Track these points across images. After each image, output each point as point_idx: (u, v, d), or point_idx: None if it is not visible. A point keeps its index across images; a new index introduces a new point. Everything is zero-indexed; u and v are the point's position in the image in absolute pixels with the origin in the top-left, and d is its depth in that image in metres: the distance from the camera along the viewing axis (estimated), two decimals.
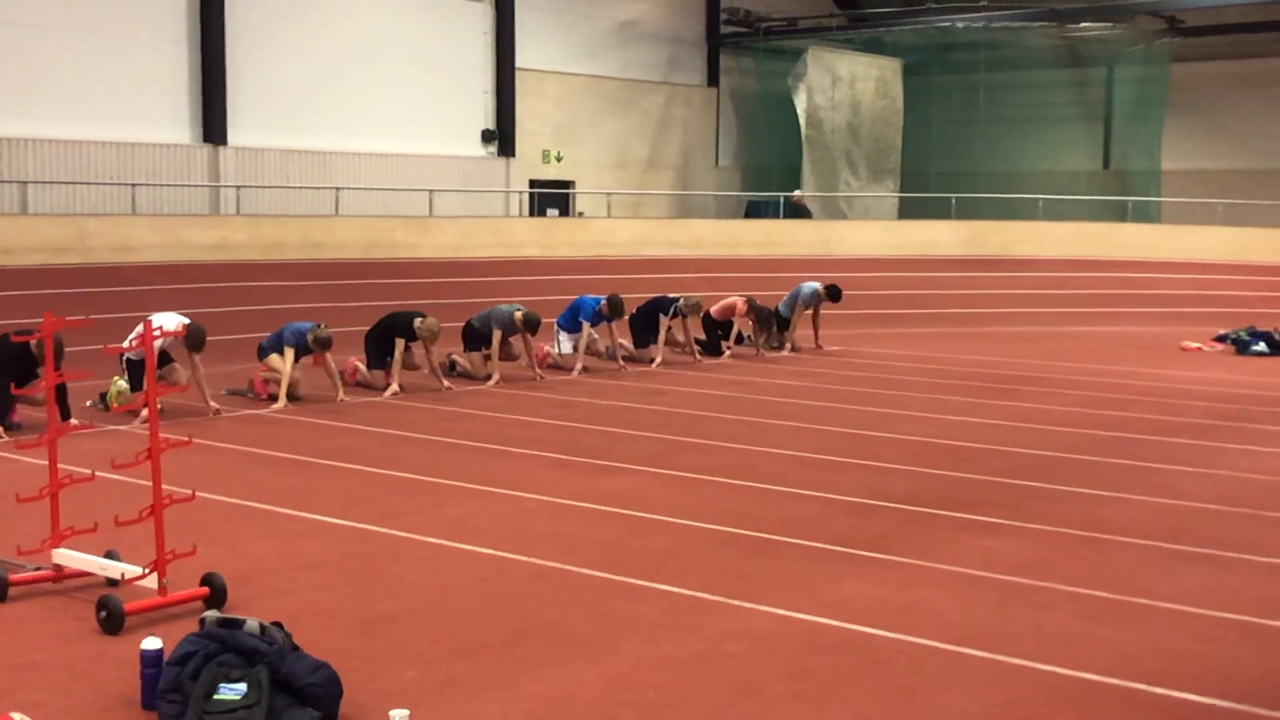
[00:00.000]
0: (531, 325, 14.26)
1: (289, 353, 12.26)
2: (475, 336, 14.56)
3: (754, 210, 29.18)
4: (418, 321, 13.13)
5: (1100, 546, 7.42)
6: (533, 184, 26.61)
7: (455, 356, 14.65)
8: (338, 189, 21.39)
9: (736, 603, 6.17)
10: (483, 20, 25.51)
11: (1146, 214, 27.92)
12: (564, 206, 27.02)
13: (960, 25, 28.69)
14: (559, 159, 27.48)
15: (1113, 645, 5.65)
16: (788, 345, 17.73)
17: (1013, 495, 8.77)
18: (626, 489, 8.75)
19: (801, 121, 28.93)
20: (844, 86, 29.73)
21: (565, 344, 15.59)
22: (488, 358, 14.36)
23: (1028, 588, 6.51)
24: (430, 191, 22.27)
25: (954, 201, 26.43)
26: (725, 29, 30.60)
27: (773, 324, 17.58)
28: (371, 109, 23.68)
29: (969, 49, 30.10)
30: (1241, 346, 18.51)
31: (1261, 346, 18.37)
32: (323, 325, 12.54)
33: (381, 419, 11.63)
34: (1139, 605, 6.24)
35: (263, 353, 12.75)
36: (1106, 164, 31.73)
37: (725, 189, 30.70)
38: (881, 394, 13.71)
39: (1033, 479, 9.30)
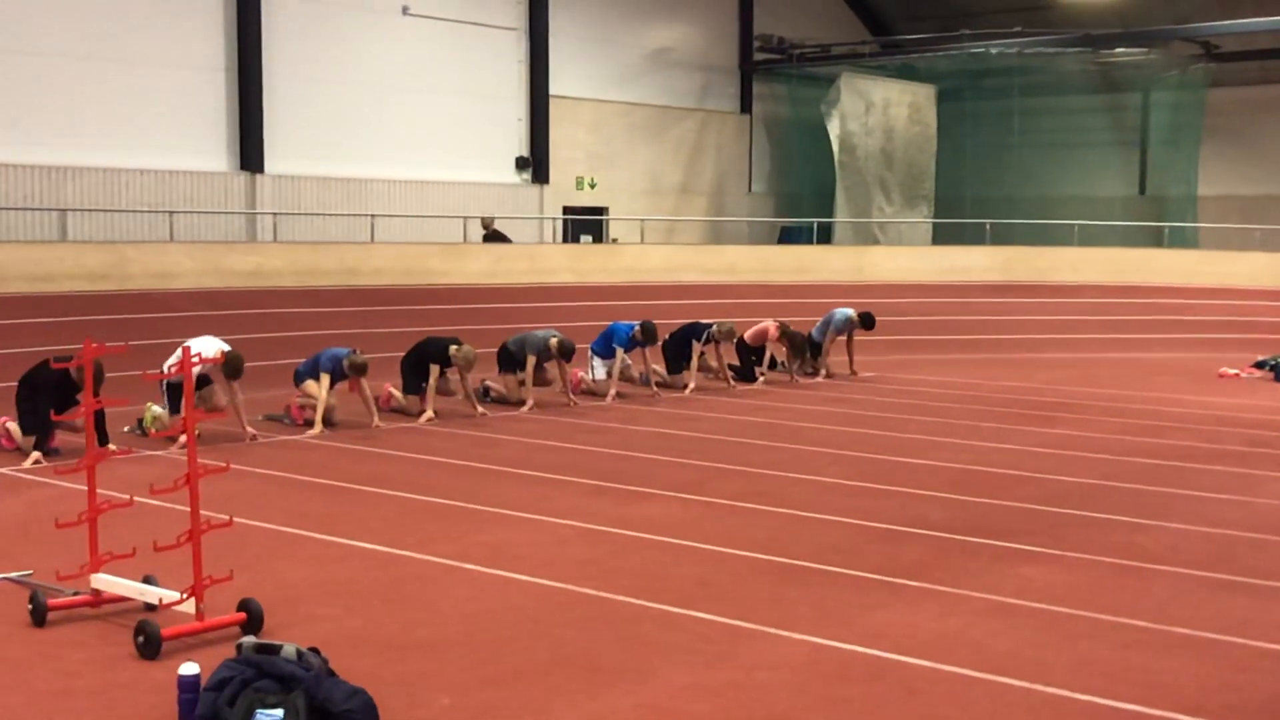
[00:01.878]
0: (566, 352, 14.28)
1: (324, 379, 12.33)
2: (510, 360, 14.60)
3: (787, 236, 29.16)
4: (453, 349, 13.19)
5: (1139, 575, 7.36)
6: (566, 210, 26.69)
7: (489, 382, 14.70)
8: (373, 216, 21.54)
9: (770, 630, 6.14)
10: (517, 48, 25.65)
11: (1183, 240, 27.75)
12: (597, 233, 27.09)
13: (994, 51, 28.63)
14: (593, 186, 27.57)
15: (1153, 675, 5.60)
16: (821, 371, 17.71)
17: (1049, 523, 8.71)
18: (660, 515, 8.74)
19: (835, 148, 28.92)
20: (877, 112, 29.70)
21: (599, 370, 15.61)
22: (522, 382, 14.41)
23: (1065, 616, 6.45)
24: (465, 218, 22.37)
25: (988, 227, 26.34)
26: (758, 55, 30.65)
27: (805, 349, 17.56)
28: (406, 137, 23.83)
29: (1003, 75, 30.02)
30: None
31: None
32: (358, 351, 12.62)
33: (416, 445, 11.67)
34: (1179, 635, 6.18)
35: (299, 378, 12.84)
36: (1143, 190, 31.54)
37: (758, 215, 30.71)
38: (916, 420, 13.66)
39: (1070, 506, 9.23)
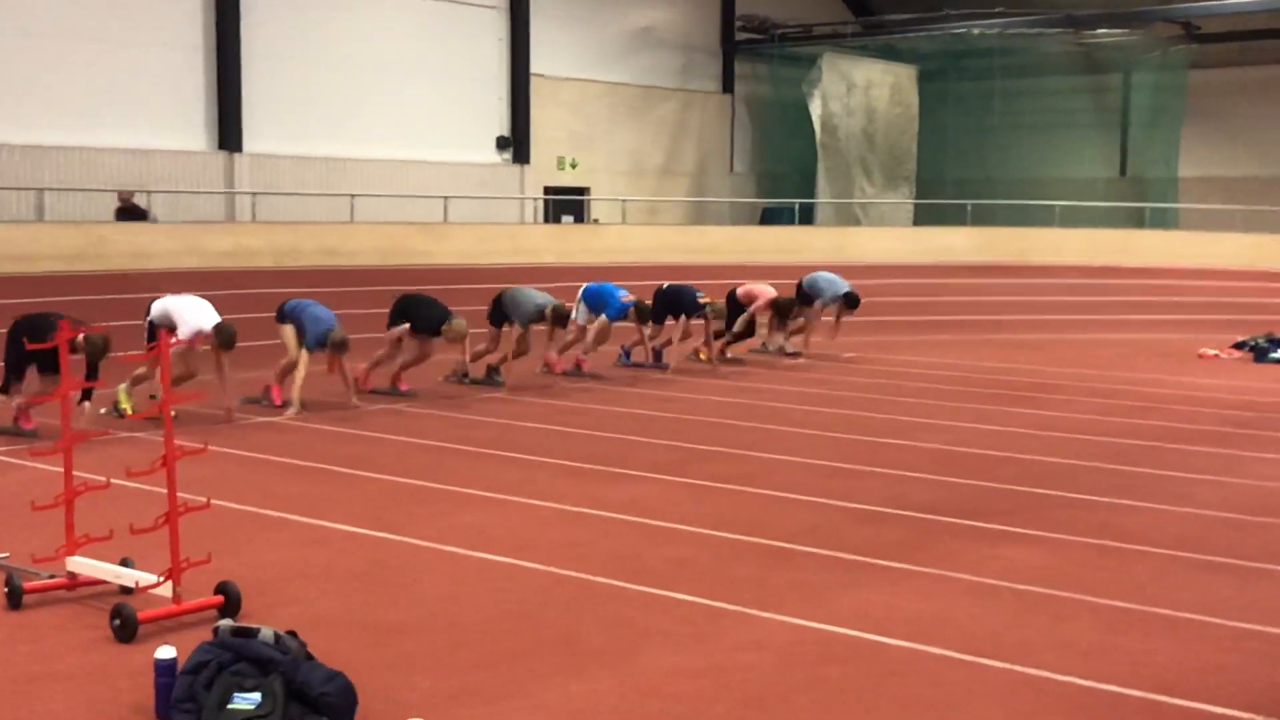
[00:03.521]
0: (561, 318, 14.47)
1: (304, 355, 12.20)
2: (502, 316, 14.50)
3: (769, 217, 29.12)
4: (445, 325, 13.22)
5: (1120, 556, 7.37)
6: (548, 191, 26.60)
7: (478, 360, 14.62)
8: (353, 196, 21.40)
9: (752, 612, 6.13)
10: (497, 27, 25.51)
11: (1164, 221, 27.81)
12: (579, 213, 27.00)
13: (976, 32, 28.61)
14: (574, 166, 27.48)
15: (1134, 656, 5.60)
16: (803, 346, 17.66)
17: (1031, 504, 8.71)
18: (641, 497, 8.72)
19: (816, 128, 28.88)
20: (859, 93, 29.67)
21: (583, 315, 15.50)
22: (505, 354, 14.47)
23: (1046, 597, 6.45)
24: (445, 198, 22.28)
25: (969, 208, 26.35)
26: (740, 35, 30.56)
27: (788, 315, 17.53)
28: (386, 116, 23.70)
29: (984, 55, 30.00)
30: (1260, 354, 18.39)
31: None
32: (339, 328, 12.43)
33: (395, 426, 11.61)
34: (1160, 615, 6.18)
35: (282, 316, 12.62)
36: (1123, 171, 31.59)
37: (740, 195, 30.65)
38: (898, 401, 13.66)
39: (1051, 487, 9.24)
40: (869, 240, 25.91)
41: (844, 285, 17.68)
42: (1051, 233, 25.65)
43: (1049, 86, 31.03)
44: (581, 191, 27.30)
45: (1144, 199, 28.67)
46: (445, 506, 8.39)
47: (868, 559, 7.16)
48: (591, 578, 6.67)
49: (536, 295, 14.59)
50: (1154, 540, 7.69)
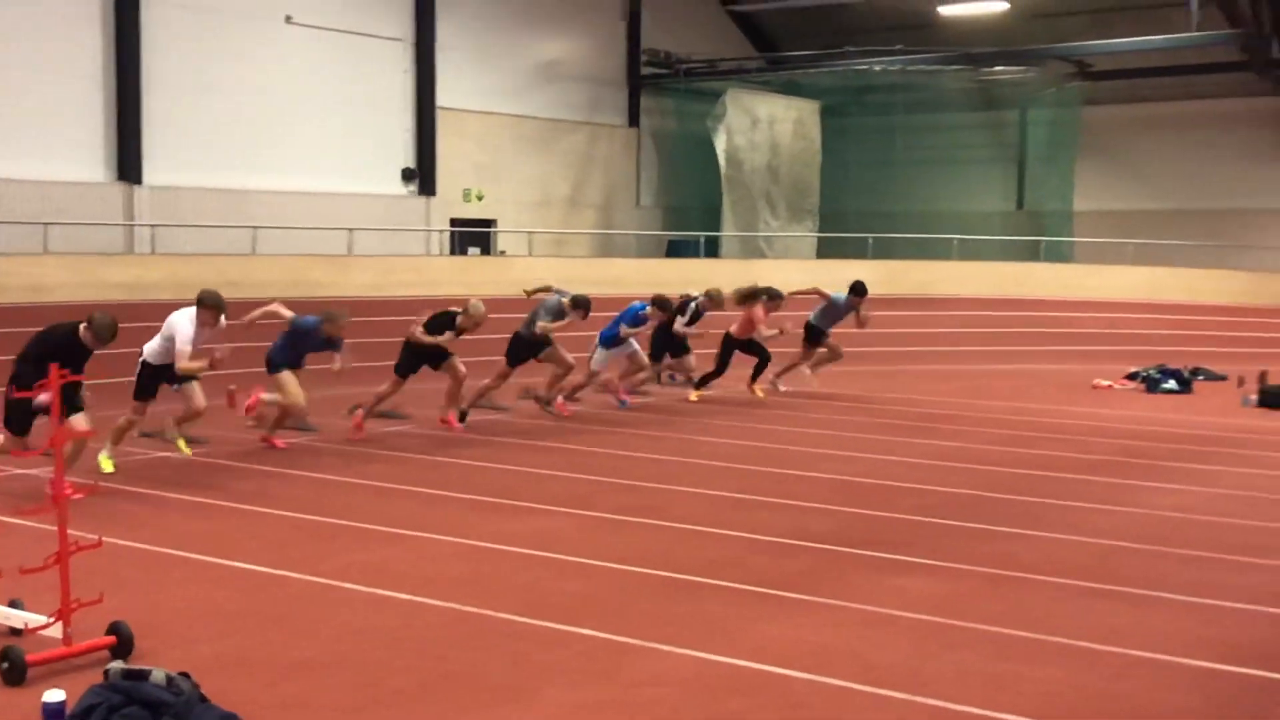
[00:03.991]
0: (581, 305, 14.32)
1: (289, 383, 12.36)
2: (528, 347, 14.44)
3: (675, 250, 29.28)
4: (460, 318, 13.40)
5: (1017, 585, 7.49)
6: (454, 223, 26.51)
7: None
8: (255, 228, 21.16)
9: (656, 646, 6.13)
10: (403, 59, 25.43)
11: (1059, 254, 28.41)
12: (485, 245, 26.93)
13: (877, 69, 29.13)
14: (480, 198, 27.42)
15: (1030, 685, 5.69)
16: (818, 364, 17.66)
17: (932, 534, 8.83)
18: (545, 530, 8.70)
19: (721, 162, 29.15)
20: (763, 128, 30.01)
21: (599, 359, 15.61)
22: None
23: (945, 627, 6.54)
24: (350, 230, 22.10)
25: (871, 241, 26.72)
26: (646, 70, 30.76)
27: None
28: (289, 147, 23.48)
29: (885, 91, 30.54)
30: (1152, 385, 18.85)
31: (1171, 384, 18.72)
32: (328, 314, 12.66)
33: (296, 461, 11.47)
34: (1056, 644, 6.29)
35: (274, 367, 12.58)
36: (1020, 204, 32.28)
37: (647, 228, 30.79)
38: (801, 432, 13.77)
39: (951, 518, 9.37)
40: (773, 273, 26.07)
41: (841, 295, 17.47)
42: (951, 265, 26.10)
43: (948, 122, 31.65)
44: (488, 223, 27.25)
45: (1040, 232, 29.28)
46: (347, 543, 8.30)
47: (771, 590, 7.20)
48: (494, 613, 6.64)
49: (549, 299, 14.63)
50: (1049, 569, 7.82)
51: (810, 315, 17.71)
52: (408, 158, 25.66)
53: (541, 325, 14.28)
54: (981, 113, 31.87)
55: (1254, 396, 17.40)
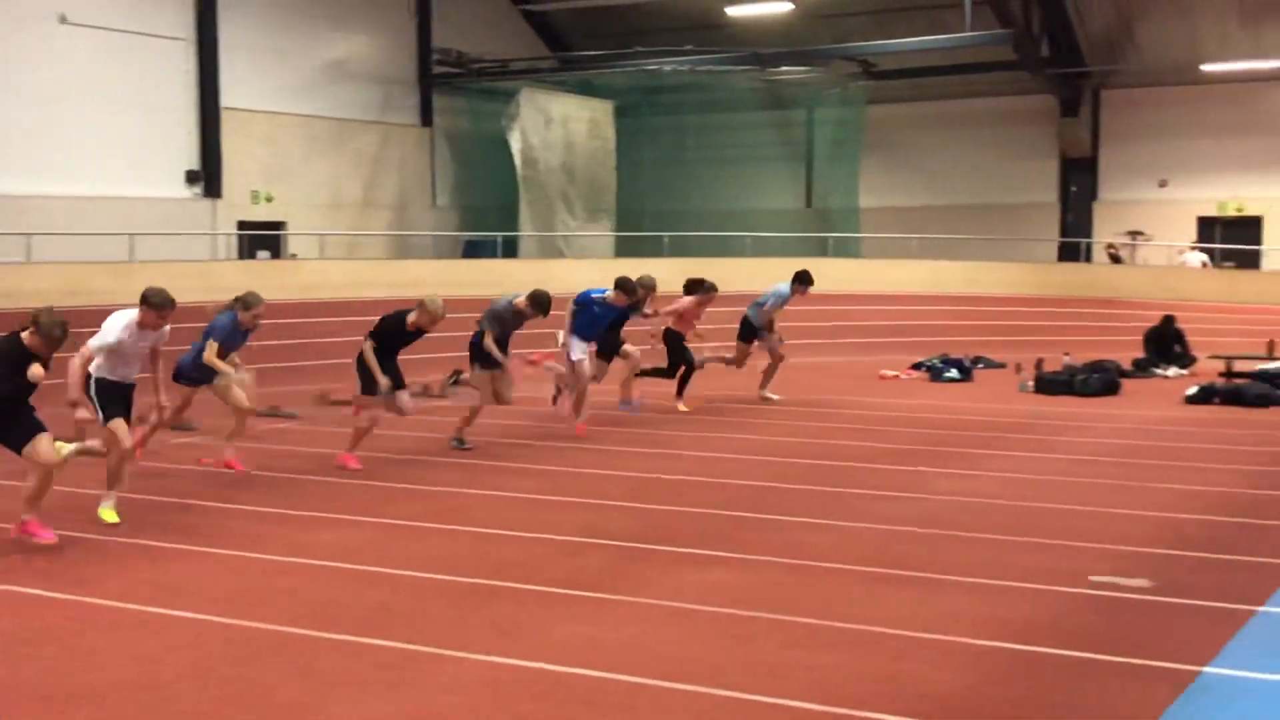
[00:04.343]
0: (542, 305, 12.58)
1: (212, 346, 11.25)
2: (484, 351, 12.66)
3: (472, 250, 29.11)
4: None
5: (807, 574, 7.67)
6: (241, 226, 25.82)
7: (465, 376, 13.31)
8: (29, 235, 20.23)
9: (450, 653, 6.08)
10: (184, 59, 24.66)
11: (847, 250, 29.25)
12: (276, 248, 26.32)
13: (667, 69, 29.49)
14: (269, 200, 26.79)
15: (815, 671, 5.83)
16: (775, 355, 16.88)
17: (726, 527, 8.98)
18: (337, 540, 8.54)
19: (517, 162, 29.09)
20: (557, 127, 30.07)
21: (578, 349, 13.85)
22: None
23: (738, 619, 6.65)
24: (131, 235, 21.32)
25: (667, 240, 27.03)
26: (438, 69, 30.50)
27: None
28: (67, 150, 22.55)
29: (677, 91, 30.95)
30: (935, 374, 19.55)
31: (954, 373, 19.44)
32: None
33: (73, 476, 10.99)
34: (841, 629, 6.46)
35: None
36: (809, 202, 33.11)
37: (443, 229, 30.53)
38: (598, 431, 13.83)
39: (745, 510, 9.55)
40: (571, 272, 26.18)
41: (783, 284, 16.82)
42: (744, 262, 26.56)
43: (739, 121, 32.25)
44: (278, 226, 26.64)
45: (828, 229, 30.08)
46: (128, 562, 7.99)
47: (568, 591, 7.22)
48: (285, 629, 6.48)
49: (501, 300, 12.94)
50: (840, 557, 8.04)
51: (746, 310, 16.94)
52: (192, 159, 24.92)
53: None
54: (770, 112, 32.58)
55: (1030, 383, 18.20)
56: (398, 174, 29.97)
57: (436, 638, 6.30)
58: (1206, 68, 30.40)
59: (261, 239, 26.05)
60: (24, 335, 8.22)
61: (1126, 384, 18.20)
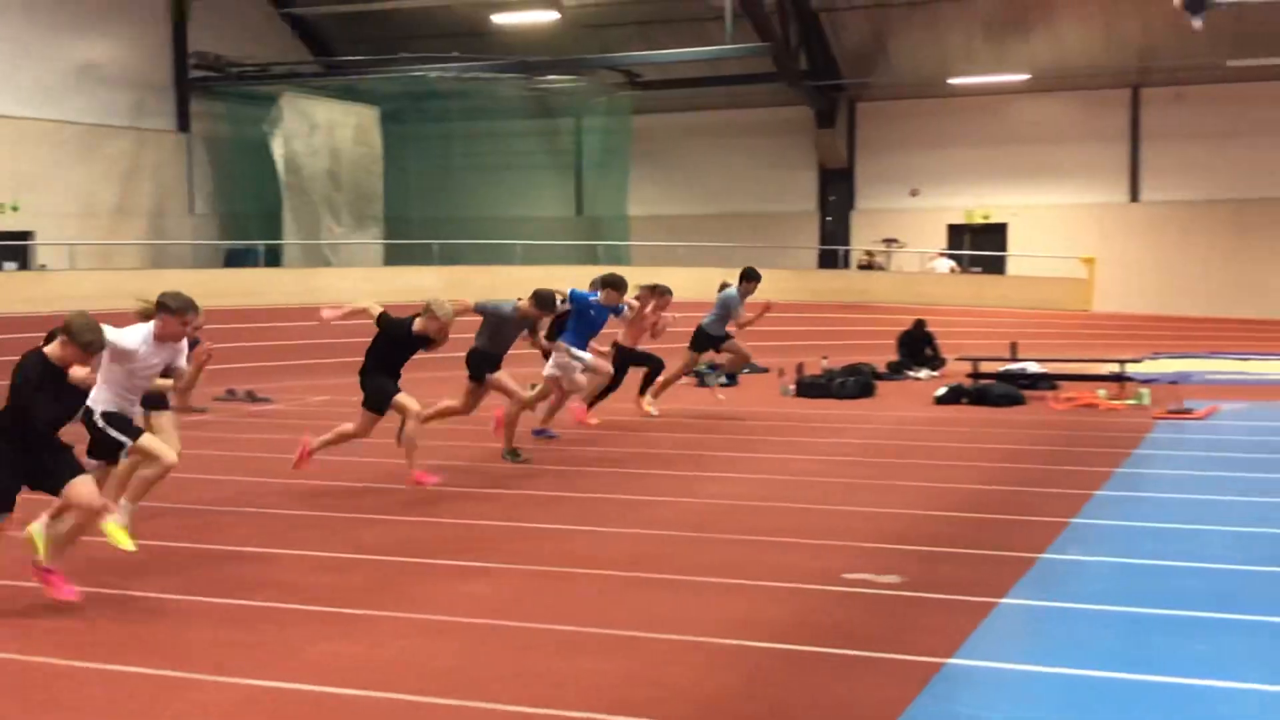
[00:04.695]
0: (547, 303, 11.90)
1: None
2: (486, 360, 12.07)
3: (234, 259, 28.33)
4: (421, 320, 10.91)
5: (574, 581, 7.71)
6: None
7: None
8: None
9: (205, 677, 5.89)
10: None
11: (617, 257, 29.56)
12: (23, 259, 25.08)
13: (434, 75, 29.29)
14: (15, 209, 25.51)
15: (583, 678, 5.87)
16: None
17: (489, 536, 8.96)
18: (91, 563, 8.18)
19: (280, 168, 28.44)
20: (322, 133, 29.52)
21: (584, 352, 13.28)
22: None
23: (502, 629, 6.64)
24: None
25: (436, 248, 26.84)
26: (195, 73, 29.57)
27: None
28: None
29: (443, 98, 30.79)
30: (701, 379, 19.89)
31: (723, 379, 19.81)
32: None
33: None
34: (609, 636, 6.51)
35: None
36: (580, 210, 33.36)
37: (202, 237, 29.60)
38: (360, 442, 13.56)
39: (508, 519, 9.54)
40: (338, 281, 25.76)
41: (731, 289, 16.14)
42: (515, 270, 26.57)
43: (507, 129, 32.28)
44: (25, 236, 25.39)
45: (599, 237, 30.34)
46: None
47: (329, 608, 7.08)
48: (29, 658, 6.18)
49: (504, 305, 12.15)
50: (604, 563, 8.10)
51: (704, 319, 16.21)
52: None
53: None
54: (539, 120, 32.72)
55: (792, 386, 18.75)
56: (153, 181, 28.93)
57: (192, 662, 6.07)
58: (954, 81, 31.88)
59: (7, 250, 24.79)
60: (51, 349, 7.01)
61: (881, 386, 18.93)
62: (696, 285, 26.94)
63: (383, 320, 10.66)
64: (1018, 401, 17.13)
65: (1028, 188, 33.20)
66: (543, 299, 11.94)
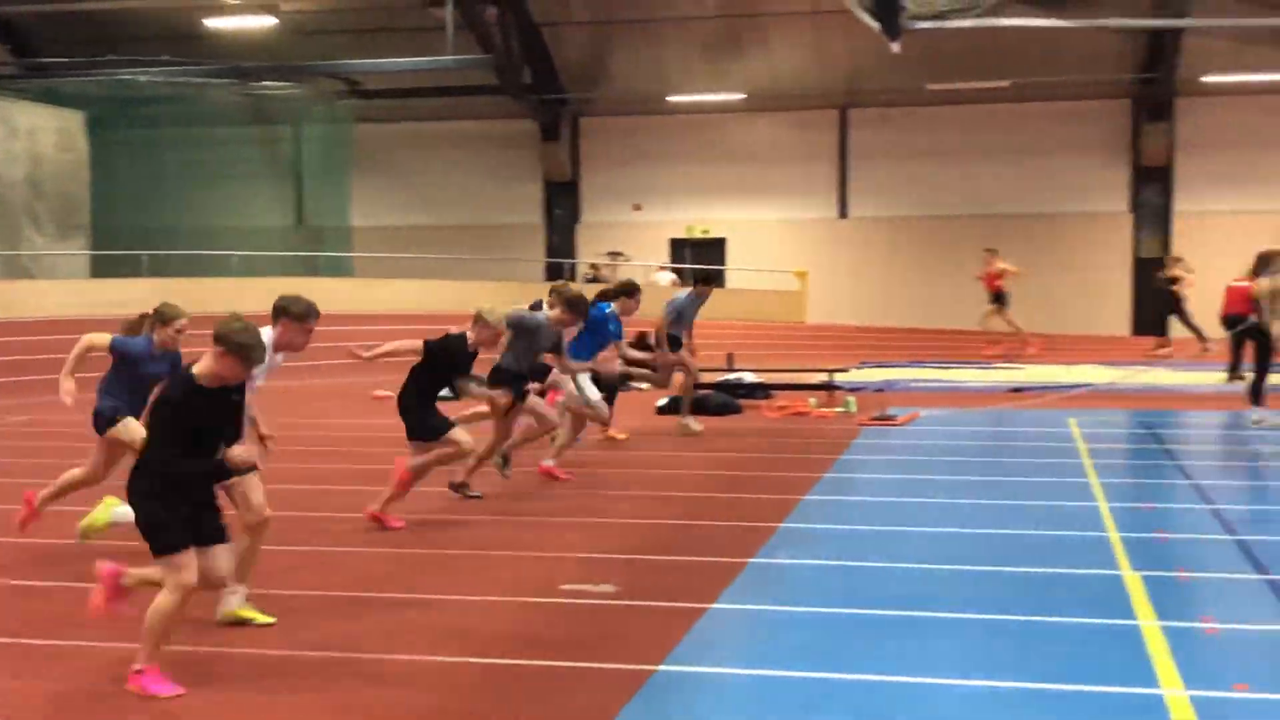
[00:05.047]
0: (580, 308, 10.69)
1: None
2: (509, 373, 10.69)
3: None
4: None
5: (281, 602, 7.52)
6: None
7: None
8: None
9: None
10: None
11: (339, 269, 29.08)
12: None
13: (143, 79, 28.20)
14: None
15: (276, 700, 5.74)
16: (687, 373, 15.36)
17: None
18: None
19: None
20: (22, 138, 27.99)
21: (591, 389, 12.40)
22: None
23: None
24: None
25: (145, 259, 25.79)
26: None
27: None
28: None
29: (154, 103, 29.66)
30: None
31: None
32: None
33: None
34: (310, 658, 6.38)
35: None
36: (300, 220, 32.65)
37: None
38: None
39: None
40: (42, 295, 24.46)
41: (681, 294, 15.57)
42: (230, 282, 25.81)
43: (222, 136, 31.34)
44: None
45: (321, 248, 29.77)
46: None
47: None
48: None
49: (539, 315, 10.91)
50: (314, 584, 7.93)
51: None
52: None
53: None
54: (256, 127, 31.90)
55: None
56: None
57: None
58: (673, 98, 32.67)
59: None
60: (201, 367, 5.80)
61: None
62: (422, 298, 26.81)
63: (431, 348, 9.83)
64: (734, 410, 17.65)
65: (745, 203, 34.29)
66: (574, 303, 10.67)
